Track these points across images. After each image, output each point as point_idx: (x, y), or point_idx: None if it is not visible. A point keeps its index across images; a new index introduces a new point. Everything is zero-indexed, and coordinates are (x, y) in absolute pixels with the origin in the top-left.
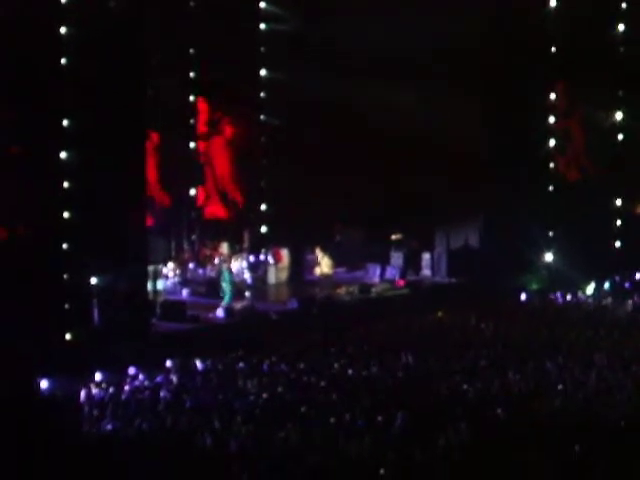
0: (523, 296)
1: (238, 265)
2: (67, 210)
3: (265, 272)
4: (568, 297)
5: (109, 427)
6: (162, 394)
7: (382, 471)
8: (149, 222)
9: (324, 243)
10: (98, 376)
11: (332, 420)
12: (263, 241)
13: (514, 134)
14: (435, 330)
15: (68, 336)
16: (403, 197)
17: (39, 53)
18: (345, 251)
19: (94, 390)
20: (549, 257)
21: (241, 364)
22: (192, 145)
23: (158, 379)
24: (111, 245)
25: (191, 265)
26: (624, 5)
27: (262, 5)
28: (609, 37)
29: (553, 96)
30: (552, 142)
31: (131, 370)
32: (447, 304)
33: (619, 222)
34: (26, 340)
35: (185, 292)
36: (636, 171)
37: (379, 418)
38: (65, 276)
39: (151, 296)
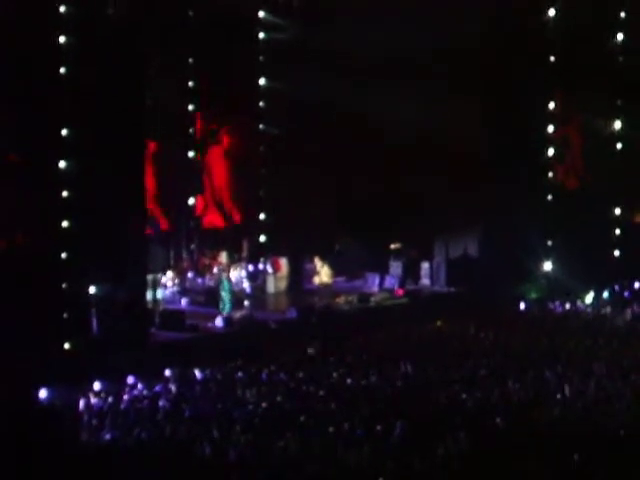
0: (522, 305)
1: (237, 274)
2: (66, 219)
3: (264, 281)
4: (567, 306)
5: (108, 436)
6: (161, 403)
7: None
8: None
9: (323, 252)
10: (97, 385)
11: (331, 429)
12: (262, 250)
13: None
14: (434, 339)
15: (67, 345)
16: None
17: (38, 62)
18: (344, 260)
19: (93, 399)
20: (548, 266)
21: (240, 373)
22: (191, 154)
23: (157, 388)
24: (110, 254)
25: (190, 274)
26: (623, 14)
27: (261, 14)
28: (608, 46)
29: (552, 105)
30: (551, 151)
31: (130, 379)
32: (446, 313)
33: (618, 231)
34: (25, 349)
35: (184, 301)
36: (635, 180)
37: (378, 427)
38: (64, 285)
39: (150, 305)
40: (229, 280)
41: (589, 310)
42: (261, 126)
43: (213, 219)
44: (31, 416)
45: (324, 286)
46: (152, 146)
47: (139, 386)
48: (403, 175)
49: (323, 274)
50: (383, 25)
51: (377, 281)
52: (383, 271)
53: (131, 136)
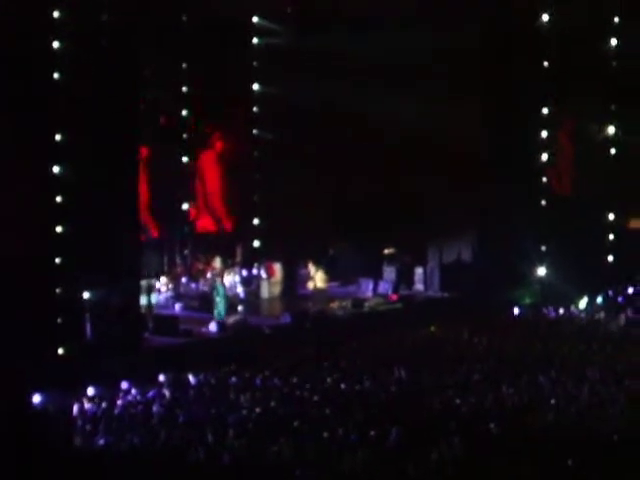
0: (516, 310)
1: (231, 279)
2: (59, 224)
3: (258, 286)
4: (561, 311)
5: (102, 442)
6: (155, 408)
7: None
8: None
9: (317, 257)
10: (91, 390)
11: (325, 435)
12: (256, 255)
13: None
14: (428, 344)
15: (61, 350)
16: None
17: (32, 67)
18: (338, 265)
19: (87, 405)
20: (542, 271)
21: (234, 378)
22: (185, 159)
23: (151, 393)
24: (104, 259)
25: (184, 279)
26: (617, 19)
27: (255, 19)
28: (602, 51)
29: (545, 110)
30: (545, 156)
31: (124, 384)
32: (440, 318)
33: (612, 236)
34: (19, 354)
35: (178, 306)
36: (629, 185)
37: (372, 433)
38: (58, 290)
39: (144, 310)
40: (223, 285)
41: (583, 315)
42: (255, 131)
43: (206, 224)
44: (25, 421)
45: (318, 291)
46: (145, 151)
47: (133, 391)
48: (400, 175)
49: (317, 279)
50: (382, 26)
51: (371, 286)
52: (377, 276)
53: (125, 141)
